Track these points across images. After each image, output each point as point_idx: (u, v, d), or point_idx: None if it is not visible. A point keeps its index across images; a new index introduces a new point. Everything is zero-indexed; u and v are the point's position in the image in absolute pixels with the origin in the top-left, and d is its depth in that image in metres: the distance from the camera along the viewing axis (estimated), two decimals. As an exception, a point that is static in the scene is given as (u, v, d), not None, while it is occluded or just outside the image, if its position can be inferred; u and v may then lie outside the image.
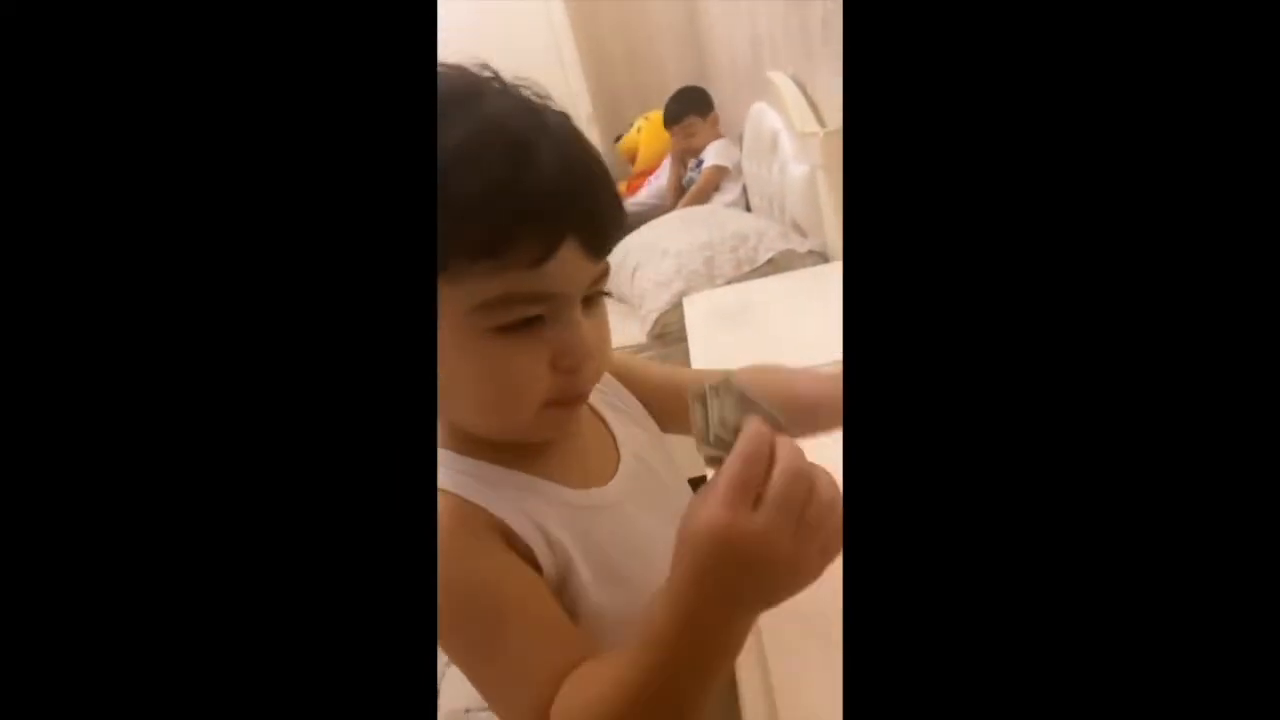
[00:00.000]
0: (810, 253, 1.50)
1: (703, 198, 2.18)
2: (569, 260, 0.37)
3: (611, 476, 0.47)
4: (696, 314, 1.26)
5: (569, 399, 0.41)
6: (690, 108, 2.30)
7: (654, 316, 1.55)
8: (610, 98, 3.12)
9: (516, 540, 0.40)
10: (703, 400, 0.33)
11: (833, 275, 1.31)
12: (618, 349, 1.72)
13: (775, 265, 1.50)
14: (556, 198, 0.36)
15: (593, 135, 3.04)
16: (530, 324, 0.38)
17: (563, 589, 0.41)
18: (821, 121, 1.41)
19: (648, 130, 2.75)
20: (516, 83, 0.40)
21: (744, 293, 1.34)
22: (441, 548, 0.36)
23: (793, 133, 1.49)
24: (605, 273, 0.41)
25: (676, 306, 1.46)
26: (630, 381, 0.55)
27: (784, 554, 0.29)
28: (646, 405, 0.54)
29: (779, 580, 0.30)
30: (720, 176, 2.20)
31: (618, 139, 2.98)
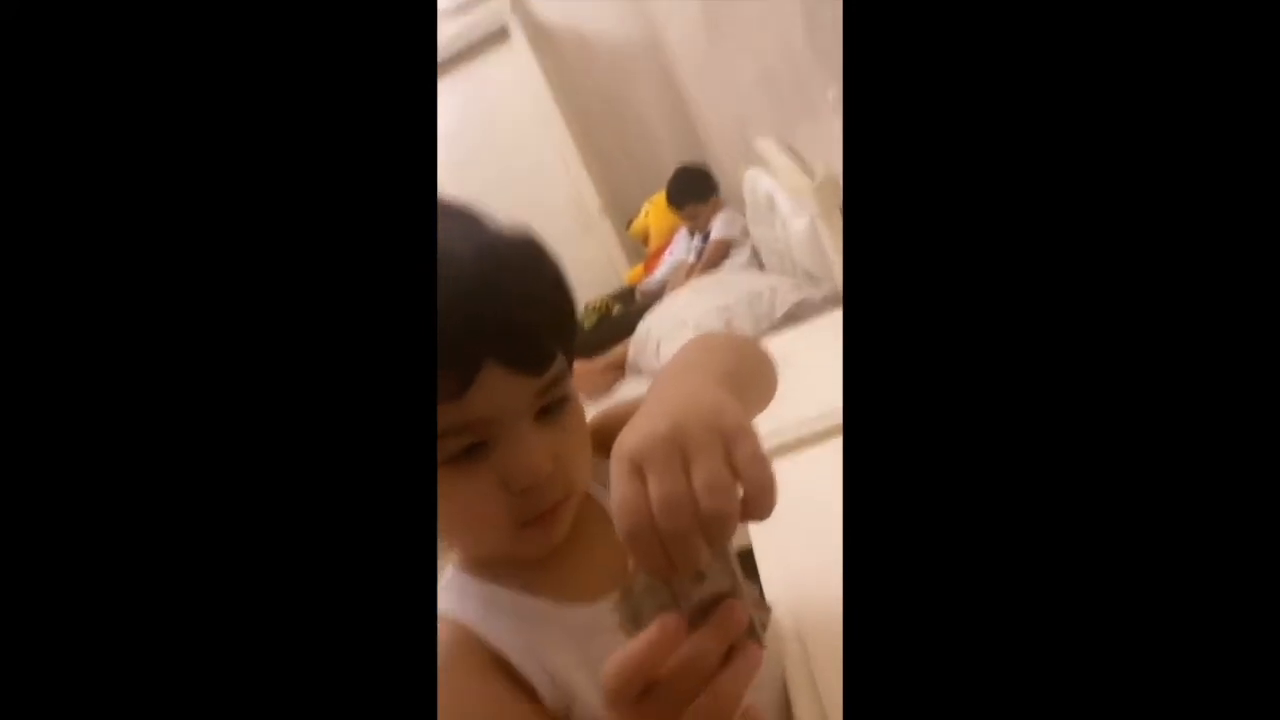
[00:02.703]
0: (825, 299, 1.52)
1: (712, 267, 2.24)
2: (494, 384, 0.36)
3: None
4: (723, 376, 1.28)
5: (538, 519, 0.40)
6: (689, 195, 2.38)
7: (684, 386, 1.57)
8: (617, 189, 3.27)
9: (517, 674, 0.40)
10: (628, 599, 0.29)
11: (850, 317, 1.32)
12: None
13: (793, 317, 1.52)
14: (457, 331, 0.34)
15: (604, 225, 3.19)
16: (472, 452, 0.38)
17: (569, 716, 0.41)
18: (810, 174, 1.46)
19: (654, 212, 2.86)
20: (458, 206, 0.39)
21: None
22: (441, 679, 0.35)
23: (786, 191, 1.54)
24: (558, 379, 0.39)
25: (704, 372, 1.49)
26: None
27: None
28: None
29: None
30: (726, 247, 2.26)
31: (629, 224, 3.10)
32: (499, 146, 3.01)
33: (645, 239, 2.96)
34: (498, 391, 0.37)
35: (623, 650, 0.27)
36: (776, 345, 1.34)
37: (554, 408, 0.40)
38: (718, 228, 2.30)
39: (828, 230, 1.37)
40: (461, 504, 0.39)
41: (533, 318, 0.39)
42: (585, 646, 0.42)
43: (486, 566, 0.44)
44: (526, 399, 0.39)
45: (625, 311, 2.47)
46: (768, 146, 1.64)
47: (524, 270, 0.40)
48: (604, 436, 0.51)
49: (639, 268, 2.92)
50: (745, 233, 2.24)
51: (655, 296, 2.27)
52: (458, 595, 0.43)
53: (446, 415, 0.36)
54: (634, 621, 0.28)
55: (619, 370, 2.00)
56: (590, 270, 3.02)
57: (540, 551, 0.42)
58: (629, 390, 1.87)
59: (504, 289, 0.38)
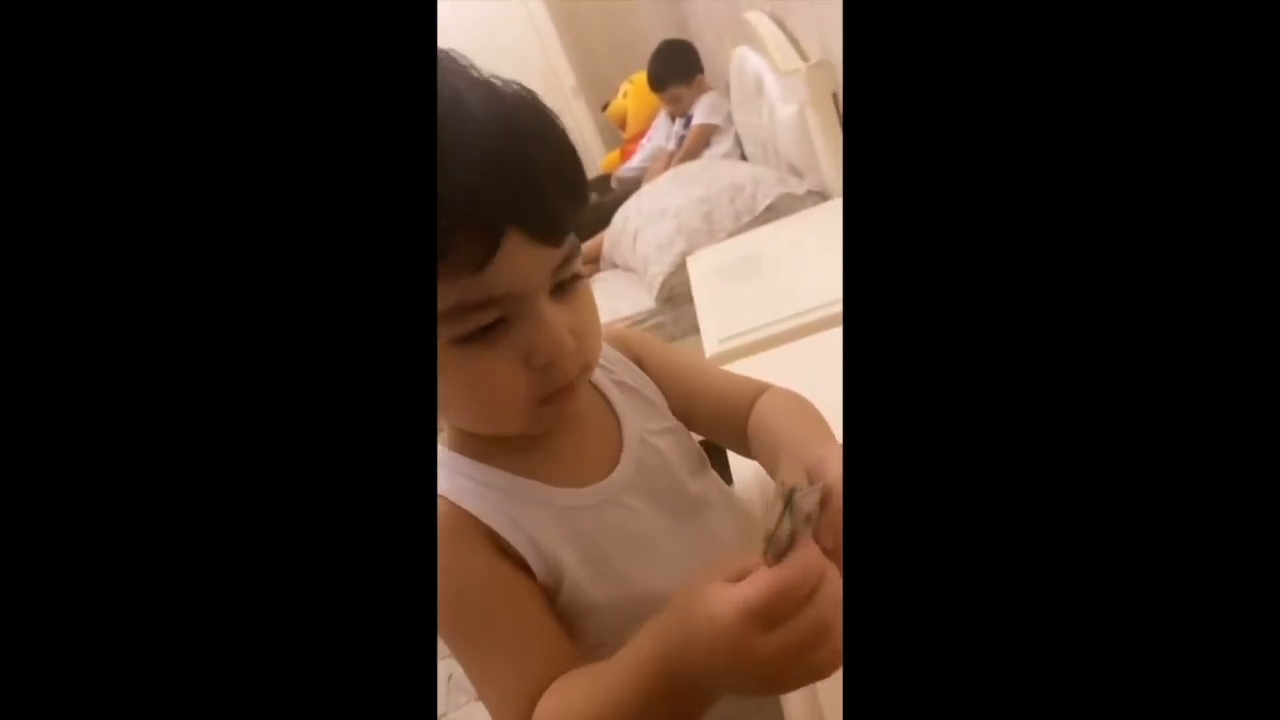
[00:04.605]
0: (809, 193, 1.47)
1: (693, 156, 2.14)
2: (517, 256, 0.35)
3: (613, 466, 0.46)
4: (700, 272, 1.25)
5: (555, 394, 0.40)
6: (672, 75, 2.24)
7: (659, 280, 1.54)
8: (593, 66, 3.07)
9: (508, 547, 0.41)
10: (786, 504, 0.30)
11: (833, 213, 1.29)
12: (628, 319, 1.71)
13: (775, 211, 1.47)
14: (483, 195, 0.34)
15: (579, 106, 3.02)
16: (493, 329, 0.37)
17: (558, 592, 0.42)
18: (803, 56, 1.37)
19: (634, 93, 2.70)
20: (462, 64, 0.37)
21: (746, 244, 1.32)
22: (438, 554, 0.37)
23: (776, 73, 1.45)
24: (571, 255, 0.39)
25: (681, 268, 1.46)
26: (645, 368, 0.52)
27: (771, 676, 0.29)
28: (663, 393, 0.52)
29: (753, 688, 0.30)
30: (708, 133, 2.16)
31: (605, 107, 2.93)
32: (472, 20, 2.77)
33: (622, 123, 2.82)
34: (520, 263, 0.36)
35: (765, 586, 0.28)
36: (757, 239, 1.32)
37: (568, 284, 0.40)
38: (701, 112, 2.19)
39: (817, 119, 1.30)
40: (478, 384, 0.38)
41: (554, 184, 0.37)
42: (576, 525, 0.43)
43: (477, 445, 0.43)
44: (546, 272, 0.38)
45: (600, 200, 2.38)
46: (759, 19, 1.52)
47: (541, 133, 0.37)
48: (626, 345, 0.53)
49: (615, 153, 2.79)
50: (729, 119, 2.13)
51: (633, 185, 2.18)
52: (447, 473, 0.43)
53: (466, 290, 0.35)
54: (779, 556, 0.30)
55: (593, 264, 1.95)
56: (564, 155, 2.87)
57: (552, 425, 0.42)
58: (605, 284, 1.83)
59: (527, 154, 0.36)
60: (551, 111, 0.39)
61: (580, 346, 0.40)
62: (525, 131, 0.36)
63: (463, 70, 0.37)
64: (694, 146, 2.16)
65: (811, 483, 0.32)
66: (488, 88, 0.37)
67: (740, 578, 0.30)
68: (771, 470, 0.44)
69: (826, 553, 0.30)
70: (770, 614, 0.28)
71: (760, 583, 0.28)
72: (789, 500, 0.29)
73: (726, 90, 2.12)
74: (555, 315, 0.38)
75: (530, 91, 0.39)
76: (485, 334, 0.37)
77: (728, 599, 0.28)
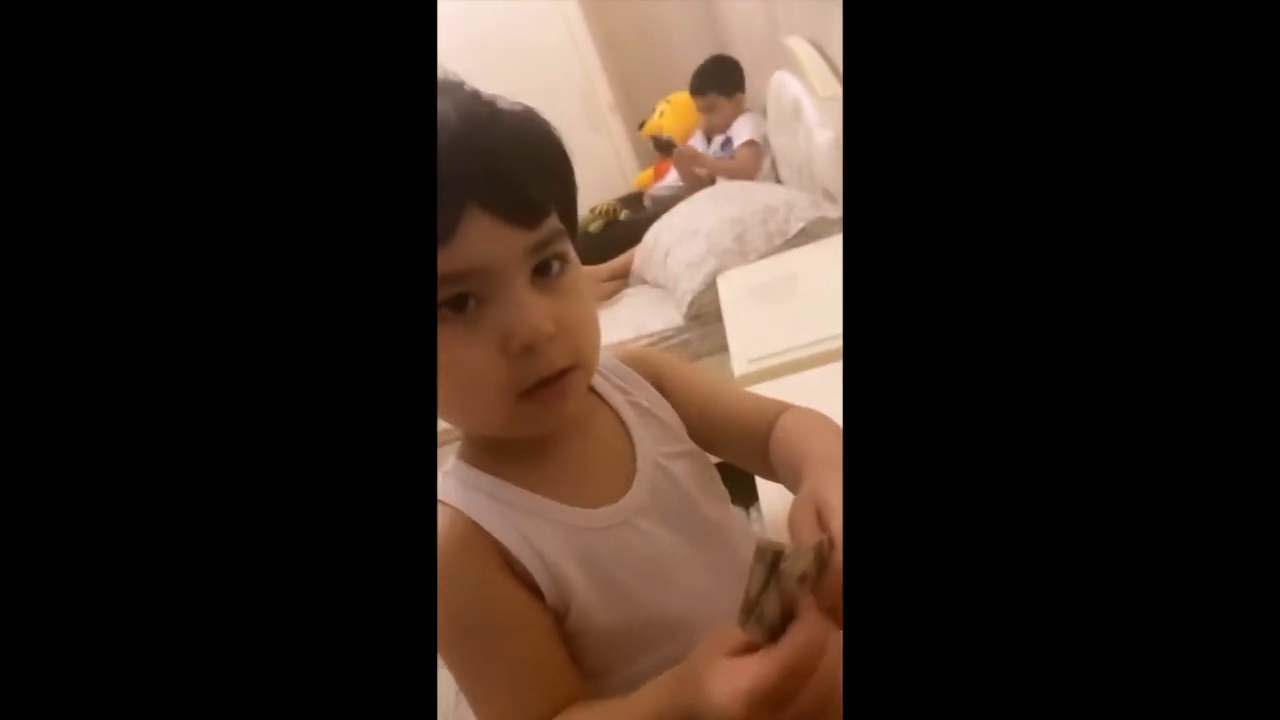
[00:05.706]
0: (843, 218, 1.46)
1: (751, 175, 2.11)
2: (482, 232, 0.36)
3: (626, 488, 0.45)
4: (731, 292, 1.25)
5: (539, 387, 0.39)
6: (713, 83, 2.24)
7: (689, 298, 1.54)
8: (630, 85, 3.10)
9: (518, 565, 0.40)
10: (768, 570, 0.29)
11: (867, 239, 1.27)
12: (655, 335, 1.70)
13: (808, 235, 1.47)
14: (443, 175, 0.33)
15: (615, 123, 3.05)
16: (461, 307, 0.37)
17: (567, 614, 0.41)
18: (842, 83, 1.37)
19: (670, 113, 2.72)
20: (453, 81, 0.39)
21: (777, 266, 1.32)
22: (441, 567, 0.37)
23: (814, 98, 1.45)
24: (550, 239, 0.39)
25: (711, 286, 1.45)
26: (665, 388, 0.51)
27: None
28: (681, 417, 0.51)
29: None
30: (759, 151, 2.14)
31: (641, 125, 2.96)
32: (510, 34, 2.83)
33: (658, 142, 2.83)
34: (486, 239, 0.36)
35: (769, 668, 0.28)
36: (788, 263, 1.31)
37: (551, 269, 0.39)
38: (745, 130, 2.18)
39: (854, 144, 1.29)
40: (458, 370, 0.37)
41: (519, 167, 0.38)
42: (587, 547, 0.42)
43: (490, 457, 0.43)
44: (517, 252, 0.38)
45: (633, 218, 2.40)
46: (799, 45, 1.53)
47: (512, 128, 0.38)
48: (644, 365, 0.52)
49: (649, 171, 2.81)
50: (766, 142, 2.13)
51: (666, 204, 2.19)
52: (459, 485, 0.42)
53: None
54: (767, 633, 0.29)
55: (622, 279, 1.95)
56: (597, 171, 2.91)
57: (542, 429, 0.41)
58: (633, 300, 1.84)
59: (489, 141, 0.37)
60: (541, 117, 0.41)
61: (567, 336, 0.39)
62: (493, 126, 0.37)
63: (450, 87, 0.39)
64: (747, 165, 2.12)
65: (823, 527, 0.31)
66: (466, 96, 0.38)
67: (743, 651, 0.29)
68: (795, 491, 0.43)
69: (825, 611, 0.29)
70: (776, 698, 0.28)
71: (763, 668, 0.28)
72: (773, 568, 0.28)
73: (763, 114, 2.12)
74: (533, 299, 0.38)
75: (529, 108, 0.41)
76: (455, 312, 0.37)
77: (731, 690, 0.28)
